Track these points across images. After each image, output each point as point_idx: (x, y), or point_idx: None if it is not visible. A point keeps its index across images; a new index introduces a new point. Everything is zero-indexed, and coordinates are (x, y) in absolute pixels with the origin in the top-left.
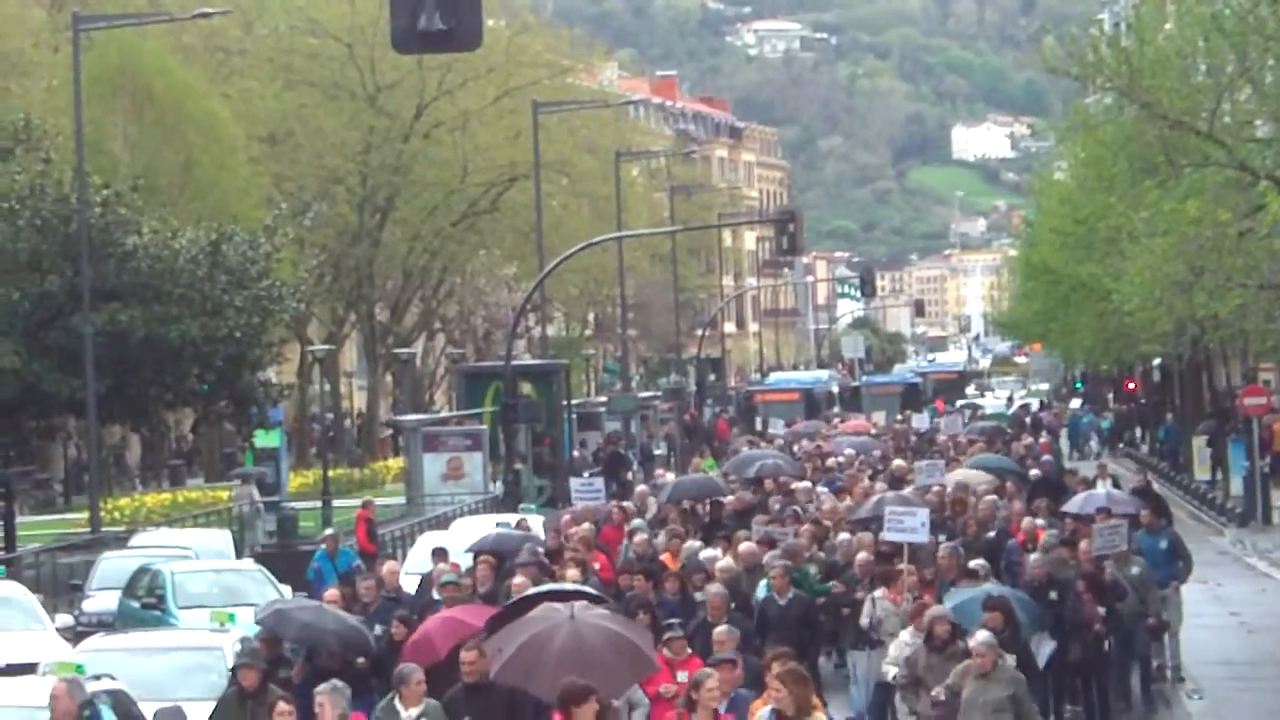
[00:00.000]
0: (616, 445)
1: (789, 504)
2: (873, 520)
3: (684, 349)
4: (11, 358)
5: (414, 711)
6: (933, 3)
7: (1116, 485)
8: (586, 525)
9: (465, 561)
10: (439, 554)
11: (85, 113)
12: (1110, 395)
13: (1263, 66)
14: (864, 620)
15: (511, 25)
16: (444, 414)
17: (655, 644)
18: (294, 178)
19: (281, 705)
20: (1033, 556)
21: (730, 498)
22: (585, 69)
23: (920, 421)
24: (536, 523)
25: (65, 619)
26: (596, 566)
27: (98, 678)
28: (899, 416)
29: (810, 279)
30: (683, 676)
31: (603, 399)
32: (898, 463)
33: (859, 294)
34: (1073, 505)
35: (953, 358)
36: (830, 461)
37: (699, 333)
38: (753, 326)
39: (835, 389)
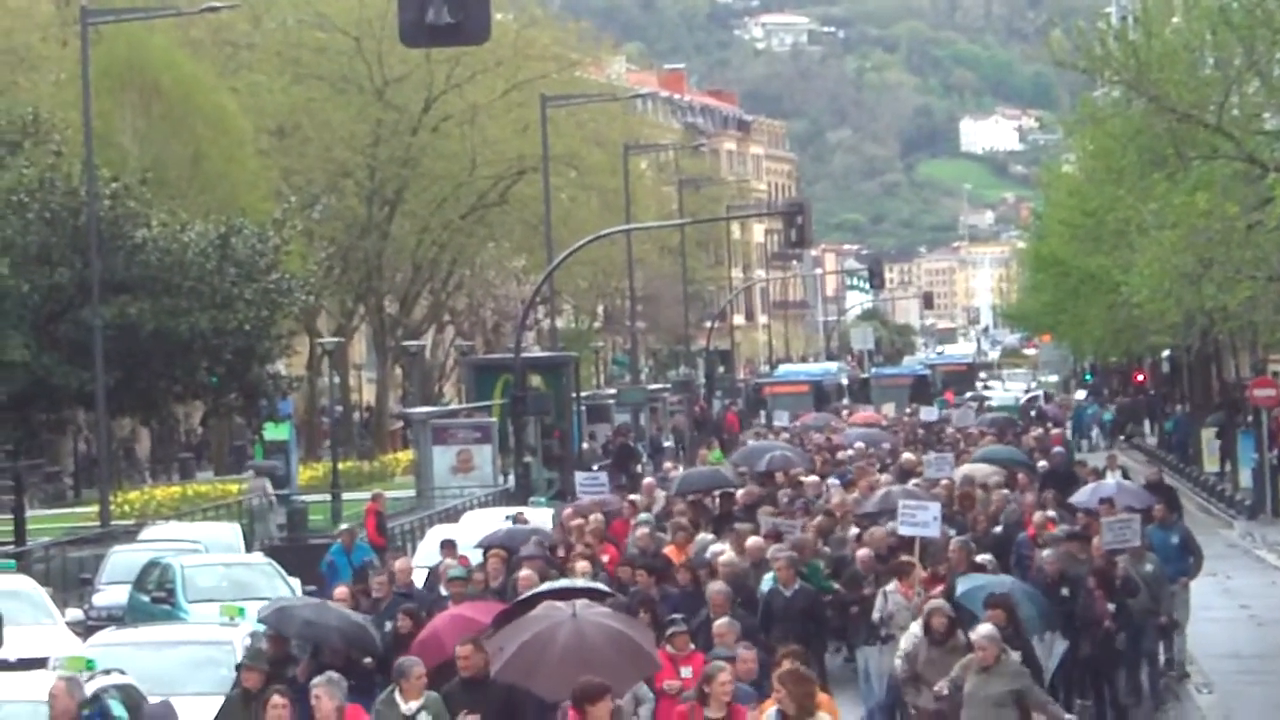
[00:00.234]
0: (626, 437)
1: (798, 497)
2: (880, 514)
3: (693, 341)
4: (21, 351)
5: (414, 705)
6: None
7: (1126, 476)
8: (596, 517)
9: (475, 556)
10: (447, 547)
11: (94, 106)
12: (1113, 388)
13: (1271, 59)
14: (875, 615)
15: (519, 19)
16: (453, 406)
17: (658, 640)
18: (302, 171)
19: (275, 699)
20: (1044, 553)
21: (741, 490)
22: (593, 62)
23: (929, 413)
24: (546, 515)
25: (75, 613)
26: (605, 559)
27: (108, 672)
28: (908, 409)
29: (819, 271)
30: (686, 672)
31: (612, 391)
32: (906, 456)
33: (868, 286)
34: (1080, 497)
35: (962, 350)
36: (840, 454)
37: (708, 325)
38: (762, 319)
39: (844, 381)
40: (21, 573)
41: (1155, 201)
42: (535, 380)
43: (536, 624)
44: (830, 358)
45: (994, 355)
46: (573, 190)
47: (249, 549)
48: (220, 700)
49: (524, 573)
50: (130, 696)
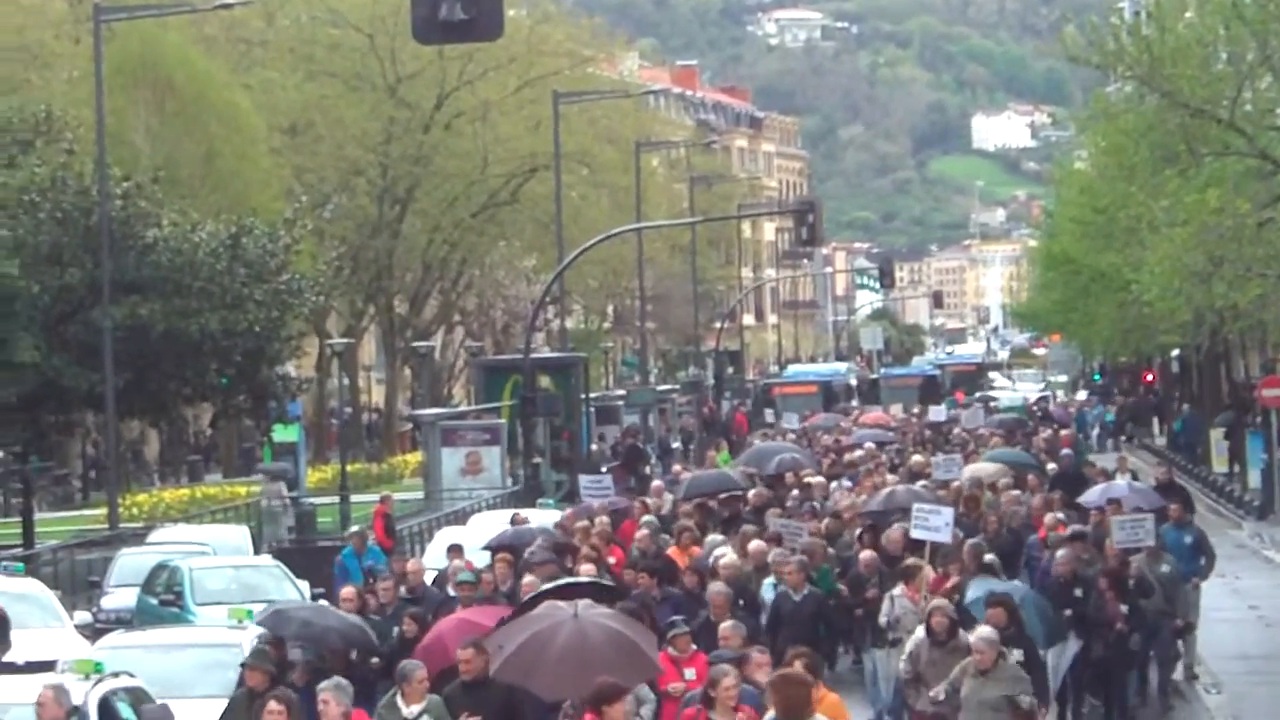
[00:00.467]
0: (635, 439)
1: (806, 499)
2: (884, 514)
3: (703, 341)
4: (31, 352)
5: (416, 708)
6: None
7: (1135, 478)
8: (602, 520)
9: (481, 559)
10: (454, 551)
11: (106, 104)
12: (1122, 388)
13: None
14: (882, 618)
15: (532, 15)
16: (462, 408)
17: (659, 643)
18: (314, 169)
19: (272, 704)
20: (1059, 553)
21: (752, 492)
22: (606, 59)
23: (938, 414)
24: (550, 517)
25: (84, 616)
26: (612, 561)
27: (116, 674)
28: (915, 409)
29: (829, 270)
30: (690, 674)
31: (621, 392)
32: (916, 458)
33: (878, 285)
34: (1090, 498)
35: (971, 349)
36: (848, 456)
37: (718, 325)
38: (771, 318)
39: (853, 381)
40: (30, 576)
41: (1167, 198)
42: (545, 381)
43: (537, 623)
44: (840, 358)
45: (1004, 355)
46: (584, 188)
47: (257, 551)
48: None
49: (527, 579)
50: (139, 699)
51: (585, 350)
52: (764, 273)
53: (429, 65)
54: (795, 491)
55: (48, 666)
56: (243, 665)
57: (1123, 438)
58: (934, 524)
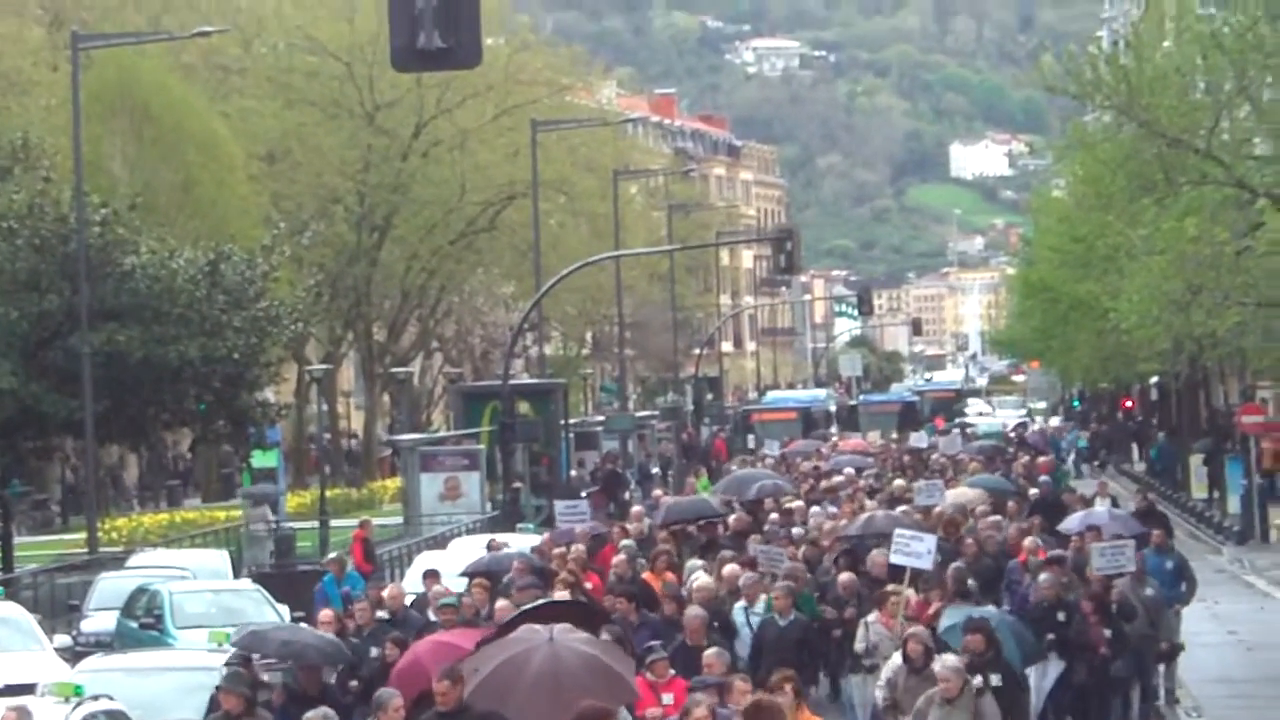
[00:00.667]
0: (614, 465)
1: (787, 524)
2: (869, 538)
3: (682, 368)
4: (9, 378)
5: None
6: (931, 20)
7: (1115, 504)
8: (577, 547)
9: (459, 585)
10: (430, 576)
11: (84, 131)
12: (1101, 414)
13: (1261, 84)
14: (859, 645)
15: (510, 43)
16: (441, 434)
17: (637, 668)
18: (292, 196)
19: None
20: (1041, 577)
21: (732, 517)
22: (584, 87)
23: (918, 440)
24: (528, 542)
25: (63, 639)
26: (589, 587)
27: (96, 698)
28: (894, 436)
29: (808, 298)
30: (667, 699)
31: (600, 418)
32: (898, 482)
33: (856, 313)
34: (1070, 524)
35: (950, 376)
36: (826, 482)
37: (696, 352)
38: (750, 345)
39: (833, 408)
40: (10, 599)
41: (1145, 227)
42: (524, 407)
43: (513, 647)
44: (819, 385)
45: (982, 382)
46: (562, 216)
47: (237, 575)
48: None
49: (500, 603)
50: None
51: (564, 376)
52: (743, 300)
53: (407, 93)
54: (774, 516)
55: (28, 690)
56: (217, 689)
57: (1095, 463)
58: (915, 550)
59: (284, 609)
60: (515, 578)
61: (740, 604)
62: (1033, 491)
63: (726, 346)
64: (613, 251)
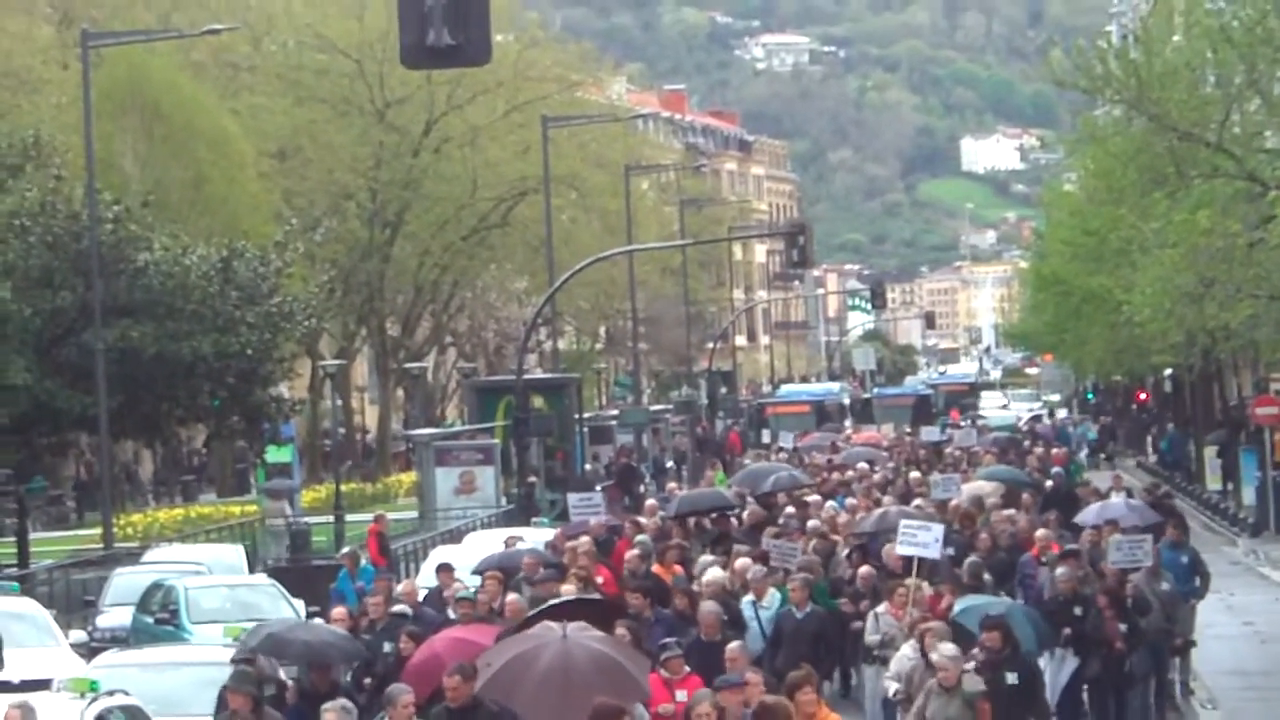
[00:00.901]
0: (628, 459)
1: (804, 517)
2: (876, 534)
3: (695, 362)
4: (23, 374)
5: None
6: (941, 15)
7: (1130, 495)
8: (585, 540)
9: (472, 581)
10: (444, 571)
11: (95, 129)
12: (1116, 407)
13: (1271, 77)
14: (873, 637)
15: (520, 40)
16: (456, 428)
17: (652, 664)
18: (304, 193)
19: None
20: (1058, 571)
21: (745, 511)
22: (594, 83)
23: (930, 433)
24: (545, 536)
25: (79, 635)
26: (600, 581)
27: (111, 693)
28: (907, 429)
29: (821, 292)
30: (681, 695)
31: (614, 412)
32: (913, 475)
33: (869, 306)
34: (1087, 517)
35: (964, 369)
36: (838, 476)
37: (710, 346)
38: (764, 339)
39: (846, 401)
40: (25, 595)
41: (1156, 220)
42: (538, 402)
43: (525, 642)
44: (832, 378)
45: (996, 375)
46: (574, 211)
47: (252, 570)
48: None
49: (510, 598)
50: (134, 718)
51: (578, 371)
52: (755, 294)
53: (417, 90)
54: (790, 509)
55: (43, 685)
56: (224, 688)
57: (1102, 455)
58: (922, 540)
59: (299, 603)
60: (527, 573)
61: (748, 598)
62: (1047, 484)
63: (740, 340)
64: (625, 246)
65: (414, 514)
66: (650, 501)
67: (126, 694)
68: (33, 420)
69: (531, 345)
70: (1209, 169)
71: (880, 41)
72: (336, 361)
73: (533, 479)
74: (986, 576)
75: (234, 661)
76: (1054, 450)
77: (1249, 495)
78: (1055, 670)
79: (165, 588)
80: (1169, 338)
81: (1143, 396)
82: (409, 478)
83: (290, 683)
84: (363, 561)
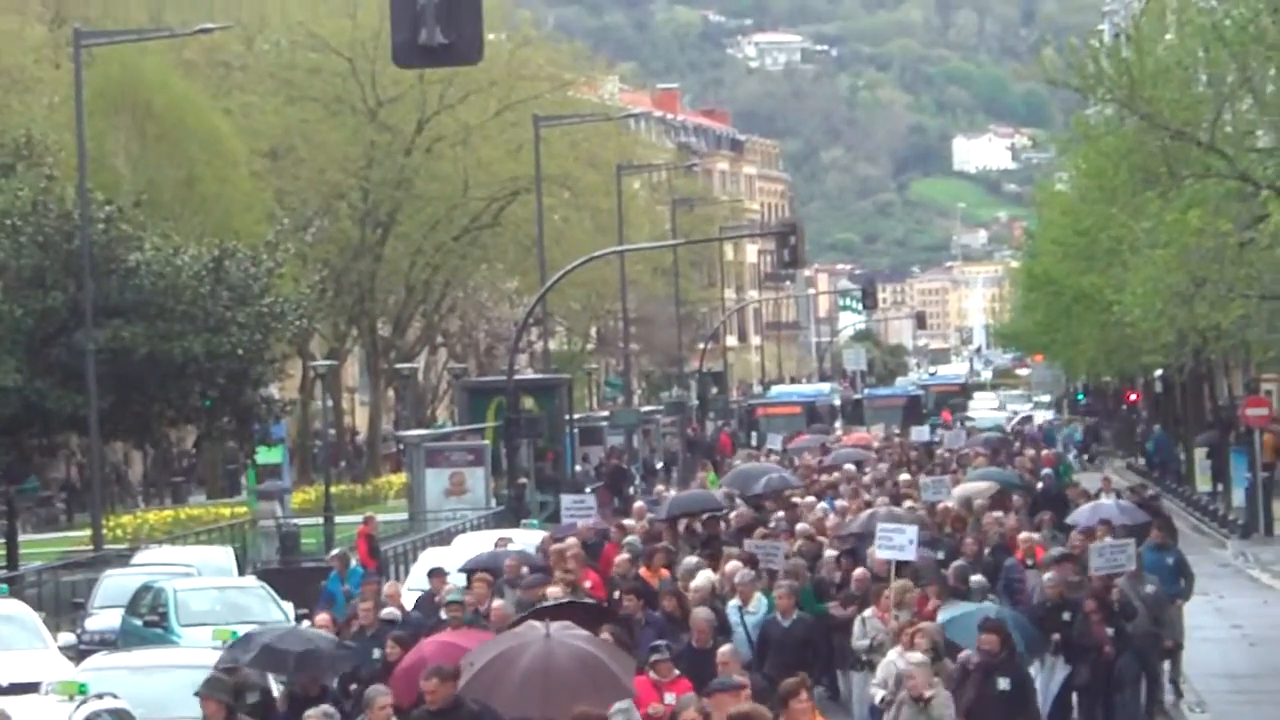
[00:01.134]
0: (619, 460)
1: (793, 519)
2: (865, 535)
3: (686, 362)
4: (14, 375)
5: None
6: (933, 14)
7: (1120, 497)
8: (571, 541)
9: (459, 580)
10: (436, 575)
11: (87, 128)
12: (1107, 407)
13: (1264, 76)
14: (863, 642)
15: (512, 39)
16: (446, 429)
17: (641, 666)
18: (296, 193)
19: None
20: (1046, 575)
21: (734, 514)
22: (586, 82)
23: (920, 434)
24: (535, 538)
25: (68, 637)
26: (588, 585)
27: (100, 696)
28: (896, 430)
29: (812, 292)
30: (670, 698)
31: (605, 413)
32: (903, 477)
33: (861, 306)
34: (1079, 518)
35: (955, 370)
36: (827, 477)
37: (701, 346)
38: (755, 340)
39: (837, 402)
40: (14, 597)
41: (1148, 220)
42: (528, 402)
43: (507, 641)
44: (823, 379)
45: (987, 376)
46: (566, 211)
47: (242, 572)
48: None
49: (497, 603)
50: None
51: (569, 372)
52: (746, 294)
53: (409, 89)
54: (780, 513)
55: (32, 688)
56: (196, 694)
57: (1085, 456)
58: (898, 543)
59: (289, 606)
60: (510, 575)
61: (734, 602)
62: (1038, 485)
63: (731, 341)
64: (616, 246)
65: (404, 515)
66: (638, 504)
67: (115, 697)
68: (23, 421)
69: (522, 346)
70: (1201, 168)
71: (872, 40)
72: (327, 362)
73: (523, 480)
74: (978, 578)
75: (218, 669)
76: (1044, 452)
77: (1239, 497)
78: (1046, 679)
79: (154, 590)
80: (1160, 338)
81: (1133, 397)
82: (399, 479)
83: (279, 690)
84: (353, 563)
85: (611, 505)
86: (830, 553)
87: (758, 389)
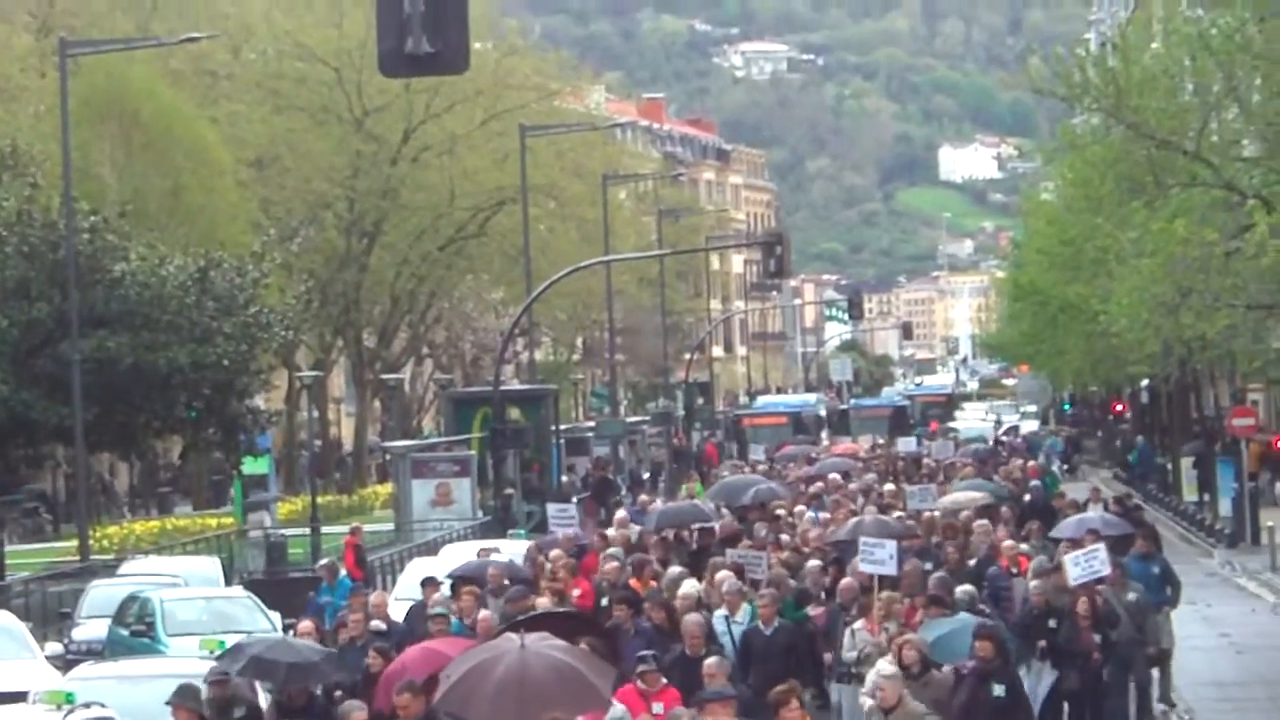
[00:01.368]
0: (605, 470)
1: (776, 530)
2: (851, 543)
3: (672, 373)
4: None
5: None
6: (920, 23)
7: (1107, 508)
8: (557, 553)
9: (444, 587)
10: (429, 585)
11: (73, 138)
12: (1094, 418)
13: (1249, 86)
14: (851, 654)
15: (499, 48)
16: (432, 440)
17: (628, 676)
18: (281, 202)
19: None
20: (1031, 584)
21: (718, 524)
22: (573, 92)
23: (907, 444)
24: (522, 548)
25: (55, 647)
26: (577, 594)
27: (88, 705)
28: (881, 440)
29: (798, 302)
30: (658, 708)
31: (591, 424)
32: (888, 487)
33: (847, 316)
34: (1066, 529)
35: (941, 380)
36: (814, 487)
37: (687, 356)
38: (741, 350)
39: (823, 412)
40: (1, 607)
41: (1134, 229)
42: (514, 413)
43: (483, 653)
44: (809, 389)
45: (973, 386)
46: (551, 221)
47: (229, 583)
48: None
49: (483, 614)
50: None
51: (555, 382)
52: (733, 304)
53: (395, 99)
54: (765, 523)
55: (19, 698)
56: (167, 703)
57: (1065, 468)
58: (879, 557)
59: (275, 616)
60: (493, 586)
61: (720, 612)
62: (1026, 497)
63: (717, 351)
64: (603, 256)
65: (390, 526)
66: (620, 514)
67: (103, 706)
68: (9, 432)
69: (508, 356)
70: (1187, 177)
71: (859, 49)
72: (313, 373)
73: (509, 491)
74: (967, 588)
75: (207, 682)
76: (1030, 463)
77: (1225, 506)
78: (1033, 684)
79: (141, 600)
80: (1146, 348)
81: (1119, 407)
82: (385, 489)
83: (266, 700)
84: (341, 573)
85: (598, 516)
86: (814, 563)
87: (744, 399)
